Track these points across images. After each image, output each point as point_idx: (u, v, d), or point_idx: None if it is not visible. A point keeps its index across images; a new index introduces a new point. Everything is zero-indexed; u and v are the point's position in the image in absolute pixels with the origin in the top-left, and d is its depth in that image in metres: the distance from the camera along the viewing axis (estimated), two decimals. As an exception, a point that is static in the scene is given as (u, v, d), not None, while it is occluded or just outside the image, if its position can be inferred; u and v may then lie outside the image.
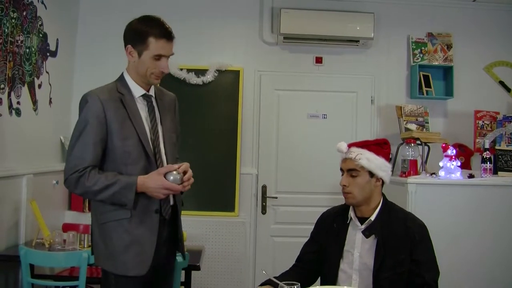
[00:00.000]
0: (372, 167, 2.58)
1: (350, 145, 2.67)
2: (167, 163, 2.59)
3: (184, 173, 2.52)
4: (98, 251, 2.54)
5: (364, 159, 2.58)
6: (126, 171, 2.47)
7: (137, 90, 2.59)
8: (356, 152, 2.61)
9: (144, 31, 2.49)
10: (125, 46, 2.56)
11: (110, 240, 2.48)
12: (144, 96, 2.60)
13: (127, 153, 2.48)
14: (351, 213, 2.65)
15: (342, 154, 2.68)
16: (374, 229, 2.55)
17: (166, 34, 2.52)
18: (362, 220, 2.61)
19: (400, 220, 2.57)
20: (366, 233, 2.55)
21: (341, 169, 2.67)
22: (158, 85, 2.75)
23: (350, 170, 2.60)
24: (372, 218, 2.57)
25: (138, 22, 2.54)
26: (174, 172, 2.48)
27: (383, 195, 2.67)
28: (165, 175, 2.46)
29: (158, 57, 2.51)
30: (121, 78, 2.61)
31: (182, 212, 2.78)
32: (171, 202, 2.61)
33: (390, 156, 2.78)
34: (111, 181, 2.40)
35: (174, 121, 2.77)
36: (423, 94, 5.31)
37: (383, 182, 2.65)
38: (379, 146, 2.66)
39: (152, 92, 2.65)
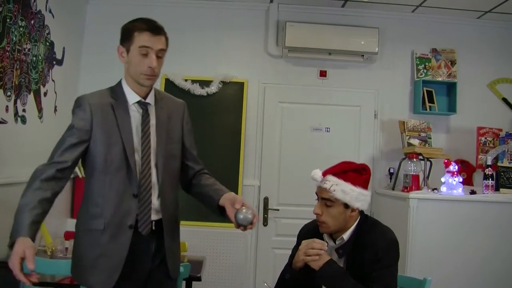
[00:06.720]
0: (348, 199, 2.44)
1: (325, 173, 2.51)
2: (157, 177, 2.48)
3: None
4: (72, 260, 2.53)
5: (339, 191, 2.43)
6: (105, 180, 2.40)
7: (131, 97, 2.50)
8: (332, 182, 2.45)
9: (129, 28, 2.48)
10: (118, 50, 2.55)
11: (80, 249, 2.46)
12: (139, 103, 2.51)
13: (109, 161, 2.39)
14: (325, 235, 2.57)
15: (316, 182, 2.53)
16: (345, 249, 2.48)
17: (151, 27, 2.45)
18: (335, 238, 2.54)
19: (371, 241, 2.43)
20: (340, 251, 2.49)
21: (316, 194, 2.54)
22: (153, 89, 2.60)
23: (325, 199, 2.48)
24: (345, 237, 2.49)
25: (126, 23, 2.54)
26: (244, 210, 2.33)
27: (362, 215, 2.55)
28: (235, 213, 2.35)
29: (144, 52, 2.43)
30: (118, 84, 2.56)
31: (184, 222, 2.73)
32: (153, 218, 2.46)
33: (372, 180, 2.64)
34: (17, 210, 2.40)
35: (180, 131, 2.67)
36: (426, 110, 5.32)
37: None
38: (357, 173, 2.50)
39: (150, 100, 2.54)
